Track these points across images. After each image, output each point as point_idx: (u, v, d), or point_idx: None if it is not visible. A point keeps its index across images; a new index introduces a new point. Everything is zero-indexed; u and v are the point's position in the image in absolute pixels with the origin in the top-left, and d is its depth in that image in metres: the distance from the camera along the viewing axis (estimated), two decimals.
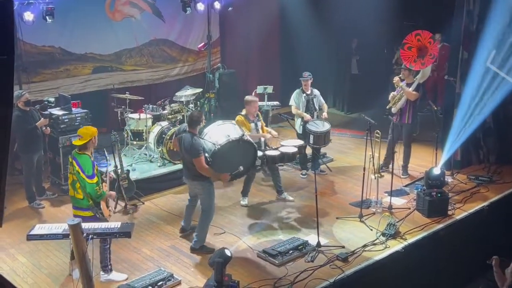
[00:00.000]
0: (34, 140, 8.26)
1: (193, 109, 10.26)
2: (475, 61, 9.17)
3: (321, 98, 9.61)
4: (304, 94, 9.40)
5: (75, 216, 6.12)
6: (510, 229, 8.48)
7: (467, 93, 9.23)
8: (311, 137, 8.97)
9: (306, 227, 7.78)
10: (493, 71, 9.10)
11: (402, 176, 9.44)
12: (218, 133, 7.22)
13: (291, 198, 8.69)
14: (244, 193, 8.58)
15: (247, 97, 8.52)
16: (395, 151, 8.71)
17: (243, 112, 8.36)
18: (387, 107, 9.45)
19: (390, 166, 8.83)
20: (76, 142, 6.29)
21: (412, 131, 9.45)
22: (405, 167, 9.56)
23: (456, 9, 9.56)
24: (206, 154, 6.94)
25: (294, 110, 9.45)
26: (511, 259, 5.79)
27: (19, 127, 8.03)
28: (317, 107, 9.49)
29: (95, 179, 6.13)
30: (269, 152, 7.94)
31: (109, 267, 6.49)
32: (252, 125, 8.24)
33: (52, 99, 8.79)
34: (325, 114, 9.41)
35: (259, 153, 7.70)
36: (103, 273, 6.46)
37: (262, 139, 8.41)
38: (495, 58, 9.06)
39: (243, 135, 7.21)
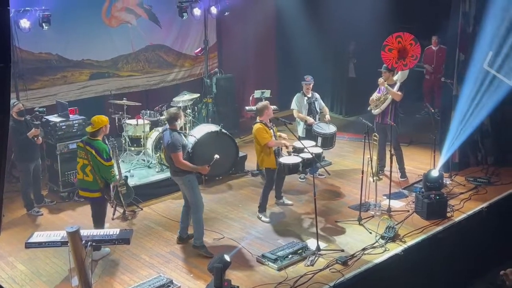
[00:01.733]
0: (30, 150, 8.22)
1: (191, 114, 10.26)
2: (472, 63, 9.19)
3: (321, 101, 9.70)
4: (306, 98, 9.47)
5: (82, 197, 7.18)
6: (509, 230, 8.48)
7: (464, 95, 9.25)
8: (320, 139, 9.03)
9: (305, 231, 7.78)
10: (490, 73, 9.12)
11: (400, 179, 9.44)
12: (201, 130, 7.55)
13: (290, 202, 8.68)
14: (277, 195, 8.62)
15: (261, 104, 8.09)
16: (392, 154, 8.71)
17: (258, 119, 8.05)
18: (368, 108, 9.48)
19: (385, 169, 8.83)
20: (88, 128, 6.98)
21: (397, 132, 9.39)
22: (402, 169, 9.55)
23: (452, 11, 9.59)
24: (189, 149, 7.09)
25: (296, 114, 9.48)
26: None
27: (13, 137, 8.01)
28: (318, 110, 9.54)
29: (111, 162, 6.86)
30: (289, 160, 7.91)
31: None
32: (271, 131, 8.05)
33: (42, 109, 8.70)
34: (327, 117, 9.46)
35: (297, 159, 7.84)
36: (97, 251, 6.85)
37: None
38: (492, 60, 9.08)
39: (221, 126, 7.36)
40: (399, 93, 9.09)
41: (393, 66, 9.08)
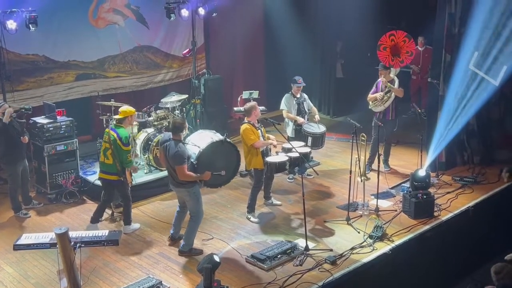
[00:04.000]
0: (16, 150, 8.15)
1: (179, 115, 10.25)
2: (457, 63, 9.27)
3: (309, 101, 9.76)
4: (295, 98, 9.52)
5: (102, 179, 7.84)
6: (495, 228, 8.58)
7: (451, 95, 9.34)
8: (310, 139, 9.10)
9: (294, 231, 7.81)
10: (475, 73, 9.21)
11: (385, 170, 9.62)
12: (201, 138, 7.44)
13: (278, 203, 8.71)
14: (266, 195, 8.64)
15: (248, 105, 8.12)
16: (380, 154, 8.77)
17: (245, 120, 8.06)
18: (370, 107, 9.57)
19: (375, 167, 8.91)
20: (116, 116, 7.92)
21: (394, 127, 9.63)
22: (386, 161, 9.86)
23: (438, 12, 9.68)
24: (192, 160, 7.00)
25: (285, 114, 9.52)
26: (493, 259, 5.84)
27: (1, 138, 7.97)
28: (307, 111, 9.60)
29: (129, 147, 7.64)
30: (276, 159, 7.97)
31: (131, 220, 7.86)
32: (259, 131, 8.05)
33: (28, 107, 8.63)
34: (317, 117, 9.53)
35: (284, 158, 7.95)
36: (127, 226, 7.79)
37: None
38: (477, 60, 9.17)
39: (226, 135, 7.43)
40: (401, 89, 9.33)
41: (390, 64, 9.22)
